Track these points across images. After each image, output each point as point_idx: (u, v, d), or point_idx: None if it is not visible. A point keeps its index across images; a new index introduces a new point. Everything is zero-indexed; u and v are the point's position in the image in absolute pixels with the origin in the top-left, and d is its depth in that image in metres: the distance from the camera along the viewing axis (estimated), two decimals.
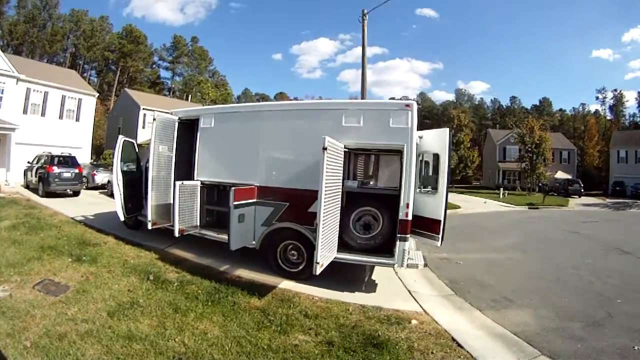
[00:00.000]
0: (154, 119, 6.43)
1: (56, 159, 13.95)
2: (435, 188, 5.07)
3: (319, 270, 4.12)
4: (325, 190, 4.03)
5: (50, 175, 13.46)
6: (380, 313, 4.30)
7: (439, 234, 4.90)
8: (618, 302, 5.17)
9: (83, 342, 3.15)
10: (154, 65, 69.83)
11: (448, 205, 14.86)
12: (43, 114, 20.26)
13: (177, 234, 5.83)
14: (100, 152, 31.43)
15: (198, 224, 6.28)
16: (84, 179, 15.89)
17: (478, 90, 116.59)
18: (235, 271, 5.57)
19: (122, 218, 7.32)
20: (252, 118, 6.10)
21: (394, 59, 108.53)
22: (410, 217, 4.78)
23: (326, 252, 4.30)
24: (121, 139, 7.50)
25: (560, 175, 37.28)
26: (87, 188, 16.28)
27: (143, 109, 28.31)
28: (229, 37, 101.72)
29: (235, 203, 4.93)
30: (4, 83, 18.01)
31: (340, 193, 4.81)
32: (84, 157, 20.35)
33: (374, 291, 5.18)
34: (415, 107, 4.95)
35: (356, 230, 5.31)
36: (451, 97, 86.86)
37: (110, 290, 4.49)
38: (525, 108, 75.50)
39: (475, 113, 77.73)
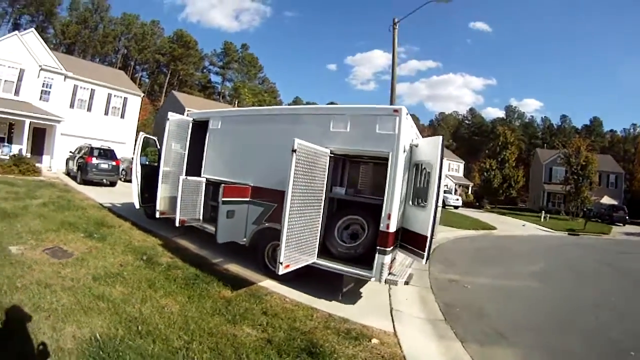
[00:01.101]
0: (168, 120, 7.20)
1: (95, 151, 15.61)
2: (425, 201, 4.85)
3: (282, 270, 4.31)
4: (294, 192, 4.27)
5: (88, 165, 15.01)
6: (343, 325, 4.32)
7: (424, 251, 4.69)
8: (631, 355, 4.49)
9: (62, 293, 3.92)
10: (205, 70, 75.18)
11: (480, 225, 15.31)
12: (89, 109, 22.65)
13: (177, 224, 6.51)
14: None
15: (201, 217, 6.88)
16: (122, 171, 17.41)
17: (531, 109, 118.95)
18: (225, 265, 6.11)
19: (137, 206, 8.17)
20: (250, 121, 6.69)
21: (448, 73, 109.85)
22: (391, 230, 4.73)
23: (295, 254, 4.52)
24: (142, 135, 8.49)
25: (606, 200, 36.53)
26: (125, 180, 17.93)
27: (187, 110, 30.35)
28: (283, 46, 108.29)
29: (224, 199, 5.44)
30: (52, 79, 20.52)
31: (322, 198, 5.03)
32: (127, 152, 22.26)
33: (353, 303, 5.18)
34: (404, 112, 4.82)
35: (342, 239, 5.48)
36: (502, 114, 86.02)
37: (104, 262, 5.26)
38: (575, 127, 73.91)
39: (525, 131, 76.15)
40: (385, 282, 4.85)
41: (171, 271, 5.29)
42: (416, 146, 5.28)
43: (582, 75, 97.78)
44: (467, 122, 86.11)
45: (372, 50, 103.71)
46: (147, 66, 68.58)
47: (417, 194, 5.11)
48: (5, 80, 18.32)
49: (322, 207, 5.08)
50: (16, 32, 19.93)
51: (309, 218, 4.78)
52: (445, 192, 33.93)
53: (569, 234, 20.71)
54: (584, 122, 75.25)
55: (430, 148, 5.01)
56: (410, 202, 5.16)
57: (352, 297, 5.36)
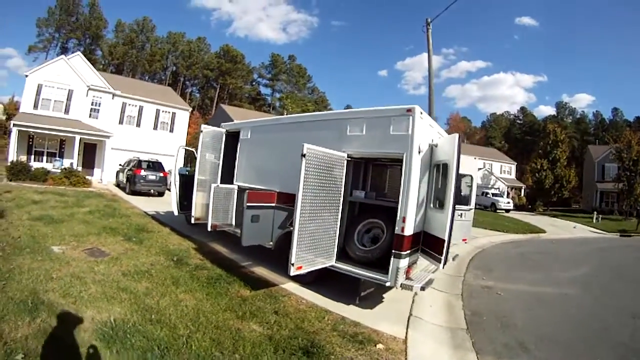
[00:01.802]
0: (201, 132, 7.72)
1: (143, 163, 16.85)
2: (443, 202, 4.76)
3: (293, 271, 4.45)
4: (304, 195, 4.43)
5: (136, 177, 16.24)
6: (352, 328, 4.36)
7: (441, 255, 4.62)
8: None
9: (91, 284, 4.48)
10: (254, 82, 78.68)
11: (529, 229, 14.86)
12: (138, 125, 24.52)
13: (209, 228, 6.96)
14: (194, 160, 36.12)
15: (233, 222, 7.30)
16: (169, 182, 18.59)
17: (583, 104, 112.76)
18: (253, 267, 6.45)
19: (175, 212, 8.79)
20: (275, 130, 7.07)
21: (498, 72, 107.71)
22: (407, 233, 4.69)
23: (309, 256, 4.67)
24: (179, 147, 9.14)
25: None
26: None
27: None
28: (333, 55, 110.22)
29: (248, 204, 5.77)
30: (100, 97, 22.57)
31: (340, 201, 5.16)
32: (177, 165, 23.55)
33: (372, 308, 5.15)
34: (417, 112, 4.78)
35: (363, 242, 5.57)
36: (554, 111, 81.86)
37: (137, 261, 5.80)
38: (627, 120, 67.22)
39: (577, 128, 71.13)
40: (401, 287, 4.79)
41: (197, 271, 5.69)
42: (436, 146, 5.20)
43: (634, 61, 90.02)
44: (518, 121, 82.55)
45: (420, 54, 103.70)
46: (197, 81, 73.36)
47: (437, 196, 5.06)
48: (55, 100, 20.43)
49: (339, 210, 5.20)
50: (62, 56, 22.21)
51: (325, 221, 4.91)
52: (495, 195, 33.02)
53: (620, 235, 19.85)
54: (636, 114, 69.00)
55: (447, 146, 4.92)
56: (431, 205, 5.12)
57: (373, 301, 5.35)
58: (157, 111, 25.33)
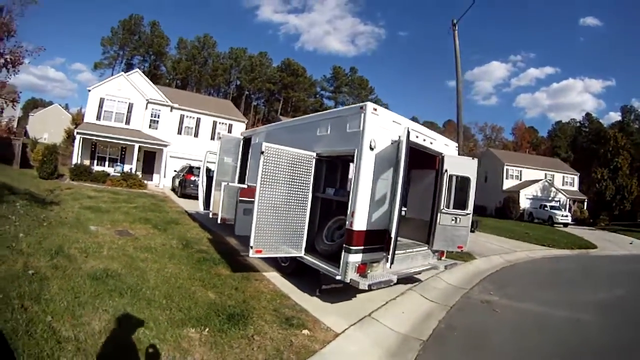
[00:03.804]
0: (220, 137, 9.26)
1: (194, 170, 19.15)
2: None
3: (252, 253, 5.15)
4: (263, 186, 5.17)
5: (186, 181, 18.64)
6: (294, 313, 4.80)
7: (388, 253, 4.94)
8: None
9: (105, 250, 6.17)
10: (317, 95, 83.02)
11: (578, 244, 15.74)
12: (196, 135, 27.60)
13: (219, 221, 8.34)
14: None
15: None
16: None
17: None
18: (248, 257, 7.40)
19: (201, 209, 10.49)
20: (273, 134, 8.22)
21: (567, 78, 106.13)
22: (356, 228, 4.99)
23: (270, 242, 5.34)
24: (206, 152, 10.74)
25: None
26: None
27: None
28: (401, 65, 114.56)
29: (240, 199, 6.98)
30: (159, 110, 26.09)
31: (307, 197, 5.79)
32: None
33: (334, 302, 5.42)
34: (369, 108, 5.11)
35: (333, 238, 6.21)
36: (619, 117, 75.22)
37: (151, 241, 7.41)
38: None
39: None
40: (350, 282, 5.00)
41: (196, 253, 7.02)
42: (398, 143, 5.36)
43: None
44: (584, 129, 76.64)
45: (489, 63, 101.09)
46: (262, 94, 78.54)
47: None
48: (117, 112, 24.02)
49: (307, 205, 5.81)
50: (122, 73, 26.18)
51: (289, 213, 5.57)
52: (553, 208, 31.71)
53: None
54: None
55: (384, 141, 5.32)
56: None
57: (340, 297, 5.61)
58: (214, 122, 28.19)
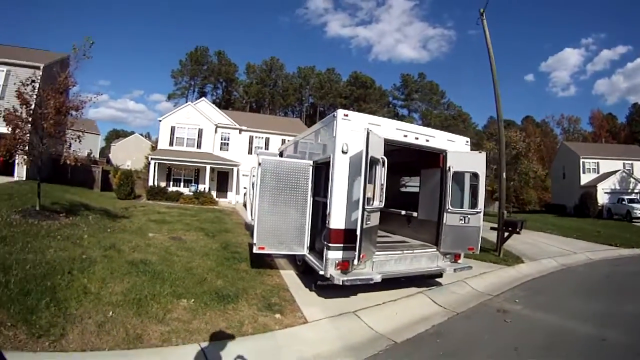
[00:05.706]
0: (258, 154, 10.70)
1: None
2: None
3: (255, 249, 6.14)
4: (262, 192, 6.19)
5: None
6: (279, 301, 5.56)
7: (354, 251, 5.07)
8: None
9: (152, 248, 7.93)
10: (390, 105, 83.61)
11: None
12: None
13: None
14: None
15: None
16: None
17: None
18: (276, 258, 8.53)
19: (249, 220, 11.83)
20: (291, 147, 9.43)
21: None
22: (332, 226, 5.48)
23: (272, 241, 6.25)
24: (251, 167, 12.22)
25: None
26: None
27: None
28: (477, 64, 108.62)
29: None
30: (228, 133, 29.34)
31: (307, 201, 6.47)
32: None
33: (328, 297, 5.92)
34: (340, 115, 5.63)
35: None
36: None
37: (197, 244, 9.09)
38: None
39: None
40: (329, 277, 5.52)
41: (229, 254, 8.36)
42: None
43: None
44: None
45: (562, 50, 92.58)
46: (335, 109, 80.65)
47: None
48: (188, 138, 27.53)
49: (307, 208, 6.48)
50: (189, 102, 29.95)
51: (289, 215, 6.37)
52: (631, 201, 28.03)
53: None
54: None
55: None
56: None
57: (338, 294, 6.00)
58: (283, 141, 30.50)
